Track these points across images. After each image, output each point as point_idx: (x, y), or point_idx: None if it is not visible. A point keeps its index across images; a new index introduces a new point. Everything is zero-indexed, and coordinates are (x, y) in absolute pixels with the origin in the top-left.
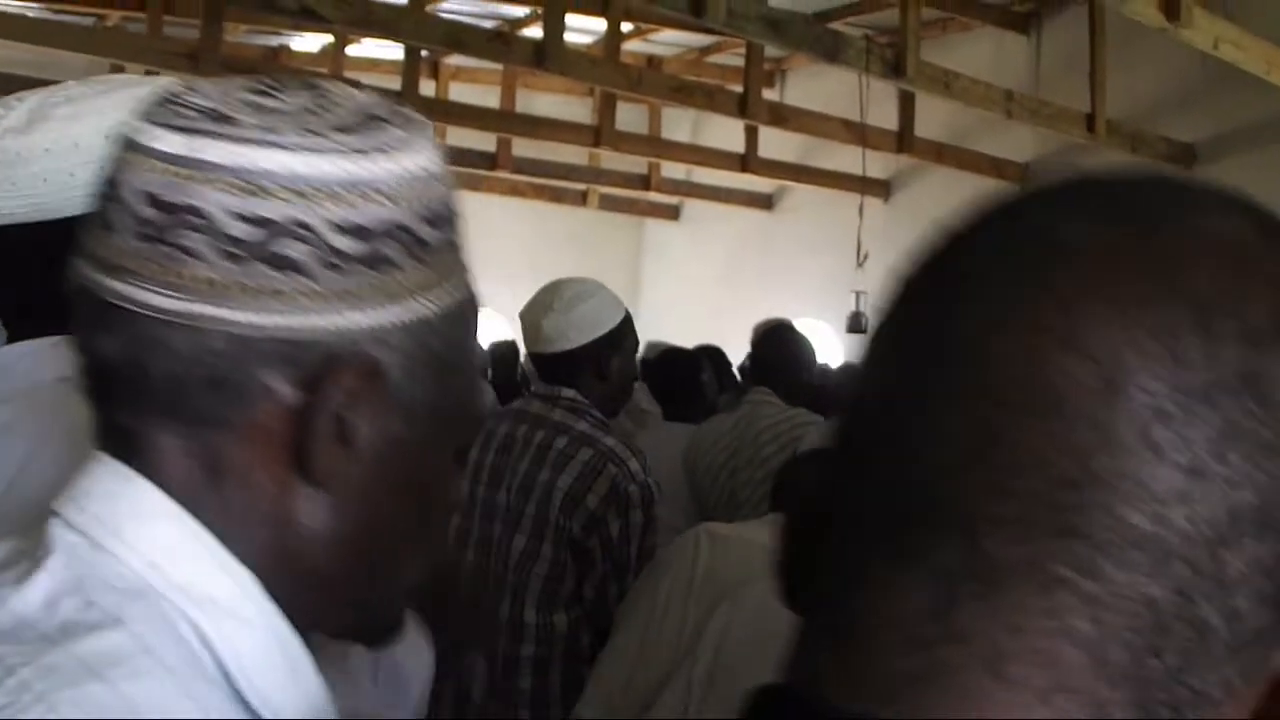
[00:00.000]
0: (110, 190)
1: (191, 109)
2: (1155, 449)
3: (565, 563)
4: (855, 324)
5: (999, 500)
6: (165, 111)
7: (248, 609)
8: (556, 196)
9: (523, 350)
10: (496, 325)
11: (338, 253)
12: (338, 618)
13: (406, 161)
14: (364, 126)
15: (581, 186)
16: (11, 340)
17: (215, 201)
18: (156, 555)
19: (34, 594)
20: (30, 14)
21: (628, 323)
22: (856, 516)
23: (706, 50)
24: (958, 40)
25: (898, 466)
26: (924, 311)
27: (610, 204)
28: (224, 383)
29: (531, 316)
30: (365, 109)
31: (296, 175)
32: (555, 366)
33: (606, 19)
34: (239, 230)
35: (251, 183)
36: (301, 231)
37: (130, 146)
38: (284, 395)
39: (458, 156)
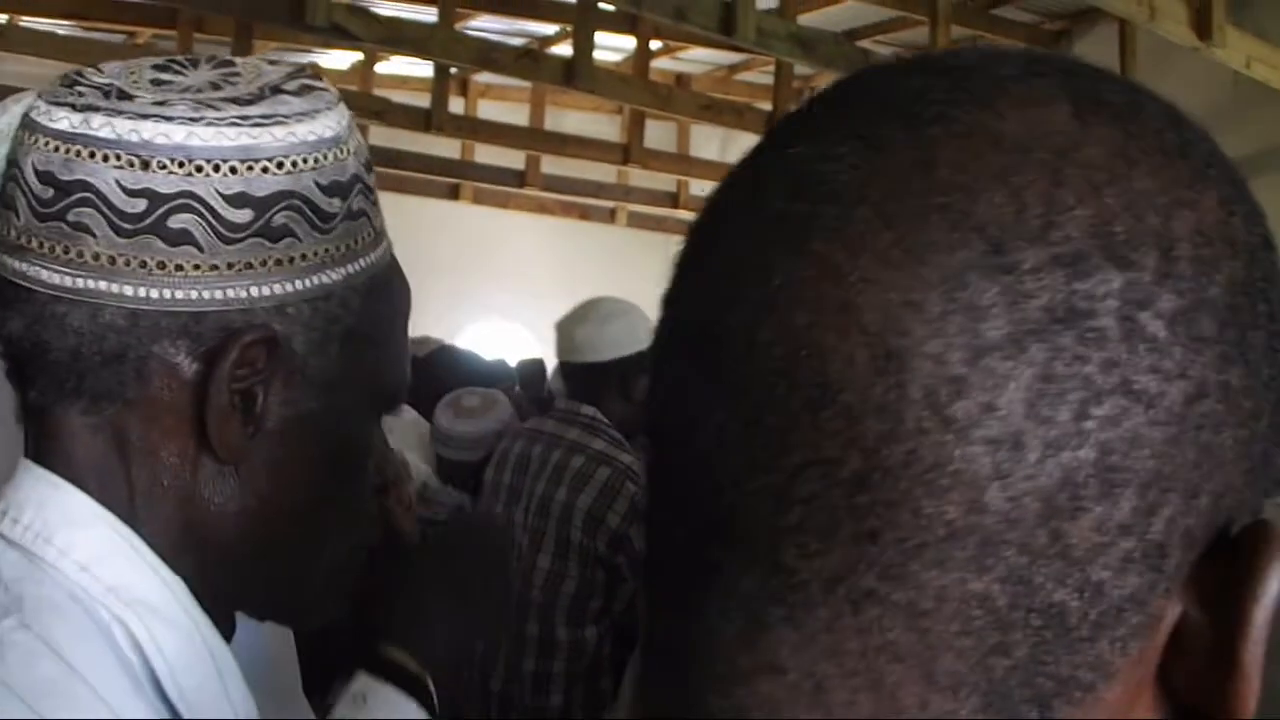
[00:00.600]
0: (12, 171)
1: (89, 86)
2: (954, 426)
3: (593, 579)
4: None
5: (789, 509)
6: (63, 90)
7: (176, 612)
8: (585, 214)
9: (549, 368)
10: (525, 341)
11: (229, 224)
12: (256, 597)
13: (301, 131)
14: (260, 98)
15: (610, 204)
16: None
17: (106, 177)
18: (88, 560)
19: None
20: (60, 31)
21: None
22: (663, 537)
23: (735, 68)
24: None
25: (688, 479)
26: (693, 298)
27: (639, 221)
28: (122, 358)
29: (566, 326)
30: (268, 82)
31: (182, 147)
32: (582, 378)
33: (635, 37)
34: (129, 205)
35: (139, 156)
36: (191, 203)
37: (29, 126)
38: (182, 368)
39: (486, 174)
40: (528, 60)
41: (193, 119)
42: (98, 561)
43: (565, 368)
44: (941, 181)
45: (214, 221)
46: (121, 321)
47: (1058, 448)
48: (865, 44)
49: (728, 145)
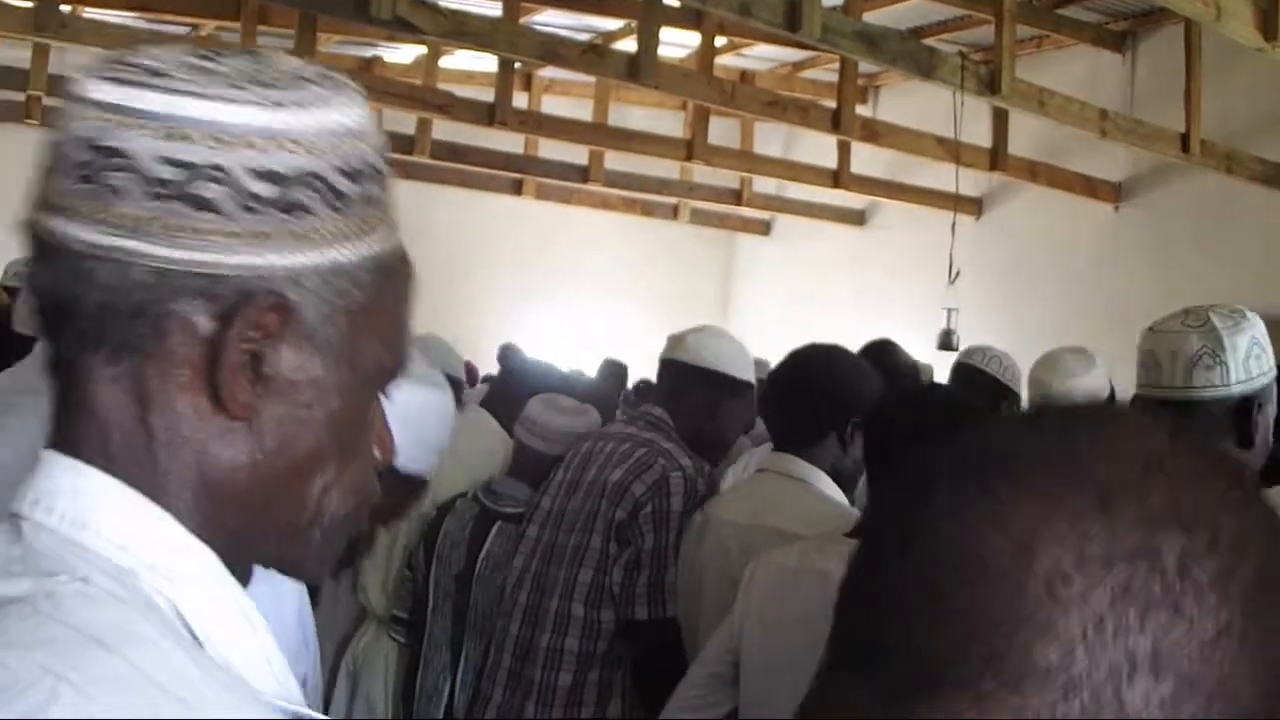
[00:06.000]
0: (56, 137)
1: (132, 66)
2: (1060, 601)
3: (607, 553)
4: (946, 341)
5: (940, 638)
6: (109, 67)
7: (210, 581)
8: (648, 210)
9: (630, 382)
10: (587, 336)
11: (253, 196)
12: (265, 545)
13: (324, 117)
14: (289, 84)
15: (673, 200)
16: None
17: (142, 145)
18: (125, 540)
19: (18, 586)
20: (124, 22)
21: (752, 392)
22: (841, 648)
23: (800, 65)
24: (1052, 58)
25: (869, 612)
26: (904, 504)
27: (701, 218)
28: (145, 312)
29: (683, 332)
30: (296, 72)
31: (217, 123)
32: (674, 377)
33: (700, 33)
34: (162, 172)
35: (175, 129)
36: (219, 174)
37: (73, 97)
38: (200, 326)
39: (550, 169)
40: (592, 55)
41: (227, 98)
42: (135, 541)
43: (663, 366)
44: (1077, 457)
45: (238, 192)
46: (147, 279)
47: (1126, 633)
48: (931, 41)
49: (791, 142)
